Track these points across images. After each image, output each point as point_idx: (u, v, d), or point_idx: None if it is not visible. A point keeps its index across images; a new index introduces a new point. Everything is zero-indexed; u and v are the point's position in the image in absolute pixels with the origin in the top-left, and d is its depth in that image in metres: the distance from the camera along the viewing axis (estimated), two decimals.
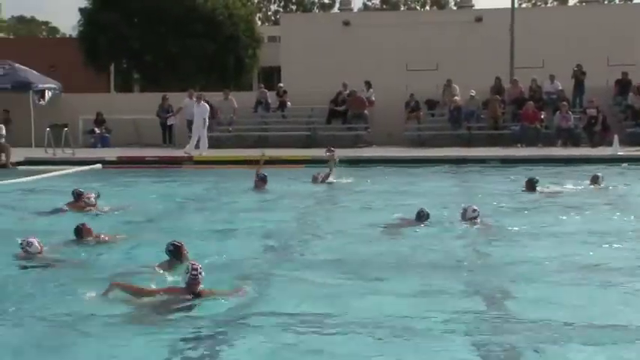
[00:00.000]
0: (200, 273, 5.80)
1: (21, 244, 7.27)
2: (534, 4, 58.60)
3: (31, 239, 7.31)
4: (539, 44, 27.63)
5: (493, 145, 20.87)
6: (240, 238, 8.91)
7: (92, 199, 10.62)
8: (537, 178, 12.39)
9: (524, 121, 21.47)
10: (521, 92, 22.68)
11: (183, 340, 5.16)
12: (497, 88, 22.97)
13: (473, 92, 22.54)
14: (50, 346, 5.19)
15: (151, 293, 5.92)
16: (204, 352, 4.99)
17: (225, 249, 8.12)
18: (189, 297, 5.78)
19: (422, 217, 9.23)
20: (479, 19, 31.03)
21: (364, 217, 10.22)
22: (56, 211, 10.49)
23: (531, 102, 21.82)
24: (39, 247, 7.33)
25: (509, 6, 25.99)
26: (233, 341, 5.21)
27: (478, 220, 9.30)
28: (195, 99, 20.25)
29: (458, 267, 7.37)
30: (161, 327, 5.37)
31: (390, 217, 9.83)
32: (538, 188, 12.12)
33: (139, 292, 5.91)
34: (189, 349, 5.03)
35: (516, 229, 9.26)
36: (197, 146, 19.65)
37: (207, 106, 20.20)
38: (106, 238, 8.32)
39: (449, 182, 14.56)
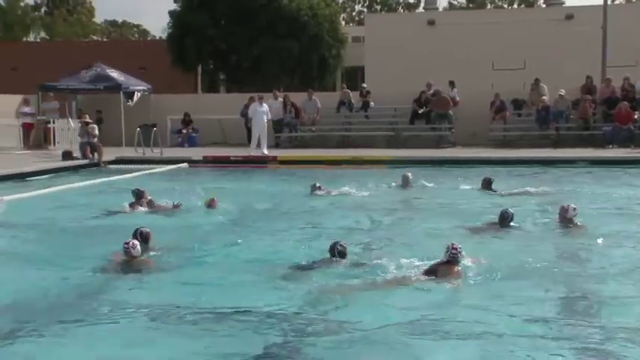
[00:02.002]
0: (460, 252, 6.61)
1: (126, 244, 7.22)
2: (628, 0, 56.44)
3: (135, 241, 7.27)
4: (632, 42, 26.66)
5: (583, 146, 20.20)
6: (316, 239, 8.89)
7: (145, 201, 10.69)
8: (493, 177, 12.58)
9: (617, 122, 20.70)
10: (614, 92, 21.86)
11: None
12: (588, 88, 22.23)
13: (562, 92, 21.89)
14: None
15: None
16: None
17: (294, 250, 8.16)
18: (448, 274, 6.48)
19: (506, 218, 8.90)
20: (569, 17, 30.25)
21: (448, 219, 9.99)
22: (117, 211, 10.57)
23: (625, 102, 21.02)
24: (140, 251, 7.29)
25: (602, 3, 25.11)
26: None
27: (576, 221, 8.91)
28: (258, 99, 20.46)
29: (551, 270, 7.10)
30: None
31: (478, 219, 9.59)
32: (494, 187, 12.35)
33: None
34: None
35: (613, 231, 8.90)
36: (258, 145, 19.86)
37: (267, 107, 20.43)
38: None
39: (537, 183, 14.14)
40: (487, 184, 12.45)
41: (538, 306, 5.86)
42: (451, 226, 9.37)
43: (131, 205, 10.71)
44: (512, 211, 8.96)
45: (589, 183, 14.13)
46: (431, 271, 6.53)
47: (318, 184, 12.46)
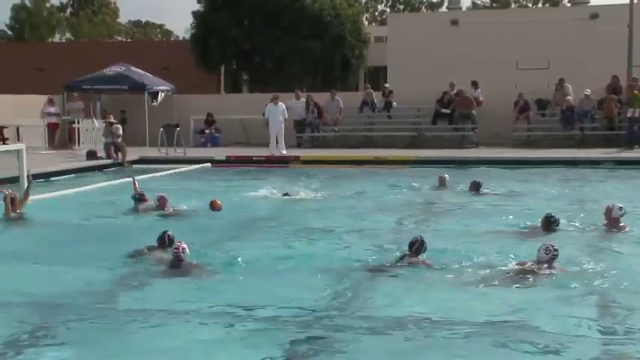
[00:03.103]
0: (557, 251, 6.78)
1: (176, 249, 7.18)
2: None
3: (184, 245, 7.21)
4: None
5: (608, 146, 19.97)
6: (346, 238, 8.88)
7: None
8: (481, 181, 12.50)
9: None
10: None
11: None
12: (614, 87, 21.98)
13: (588, 91, 21.64)
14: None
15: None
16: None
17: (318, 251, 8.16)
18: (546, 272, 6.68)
19: (552, 222, 8.63)
20: (594, 16, 29.97)
21: (488, 221, 9.81)
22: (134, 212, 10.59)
23: None
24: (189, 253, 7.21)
25: (627, 1, 24.83)
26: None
27: (622, 222, 8.68)
28: (273, 99, 20.40)
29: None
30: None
31: (515, 222, 9.44)
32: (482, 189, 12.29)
33: None
34: None
35: None
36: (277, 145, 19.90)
37: (284, 106, 20.39)
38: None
39: (562, 184, 14.01)
40: (475, 187, 12.33)
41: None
42: (493, 228, 9.17)
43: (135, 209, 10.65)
44: (557, 216, 8.74)
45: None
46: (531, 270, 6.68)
47: (286, 192, 12.10)
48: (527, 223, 9.27)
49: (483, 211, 10.80)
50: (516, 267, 6.86)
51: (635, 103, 20.27)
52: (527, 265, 6.81)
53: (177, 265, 7.13)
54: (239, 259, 7.60)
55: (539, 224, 8.80)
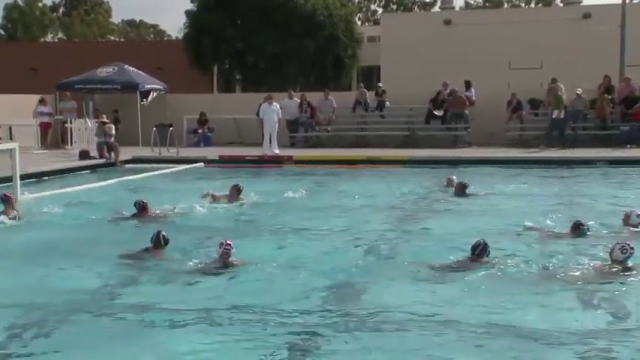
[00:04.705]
0: (633, 249, 6.72)
1: (227, 246, 7.02)
2: None
3: (229, 241, 7.08)
4: None
5: (600, 146, 20.03)
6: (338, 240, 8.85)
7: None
8: (467, 183, 12.40)
9: (635, 121, 20.52)
10: (632, 91, 21.67)
11: None
12: (607, 87, 22.05)
13: (579, 91, 21.69)
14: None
15: None
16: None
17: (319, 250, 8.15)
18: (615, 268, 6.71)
19: (580, 227, 8.34)
20: (587, 16, 30.10)
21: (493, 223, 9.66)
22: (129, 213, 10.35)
23: None
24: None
25: (619, 1, 24.92)
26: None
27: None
28: (267, 99, 20.36)
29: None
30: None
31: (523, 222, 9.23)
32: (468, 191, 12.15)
33: None
34: None
35: None
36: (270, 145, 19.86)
37: (278, 106, 20.38)
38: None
39: (562, 185, 14.01)
40: (462, 189, 12.27)
41: None
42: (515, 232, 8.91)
43: (135, 215, 10.31)
44: (587, 224, 8.52)
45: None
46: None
47: (210, 191, 11.50)
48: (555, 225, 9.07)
49: (485, 213, 10.70)
50: (590, 268, 6.78)
51: (560, 104, 20.53)
52: (600, 266, 6.76)
53: (224, 263, 6.98)
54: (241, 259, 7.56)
55: (568, 229, 8.54)
